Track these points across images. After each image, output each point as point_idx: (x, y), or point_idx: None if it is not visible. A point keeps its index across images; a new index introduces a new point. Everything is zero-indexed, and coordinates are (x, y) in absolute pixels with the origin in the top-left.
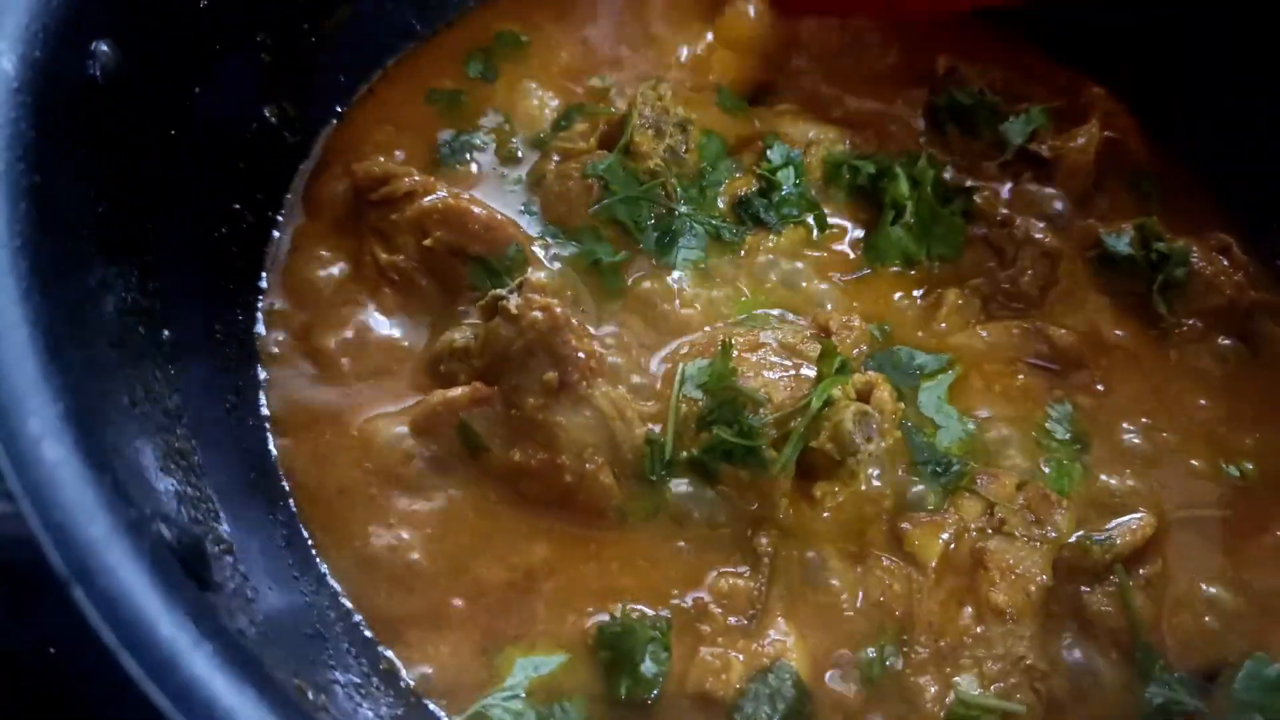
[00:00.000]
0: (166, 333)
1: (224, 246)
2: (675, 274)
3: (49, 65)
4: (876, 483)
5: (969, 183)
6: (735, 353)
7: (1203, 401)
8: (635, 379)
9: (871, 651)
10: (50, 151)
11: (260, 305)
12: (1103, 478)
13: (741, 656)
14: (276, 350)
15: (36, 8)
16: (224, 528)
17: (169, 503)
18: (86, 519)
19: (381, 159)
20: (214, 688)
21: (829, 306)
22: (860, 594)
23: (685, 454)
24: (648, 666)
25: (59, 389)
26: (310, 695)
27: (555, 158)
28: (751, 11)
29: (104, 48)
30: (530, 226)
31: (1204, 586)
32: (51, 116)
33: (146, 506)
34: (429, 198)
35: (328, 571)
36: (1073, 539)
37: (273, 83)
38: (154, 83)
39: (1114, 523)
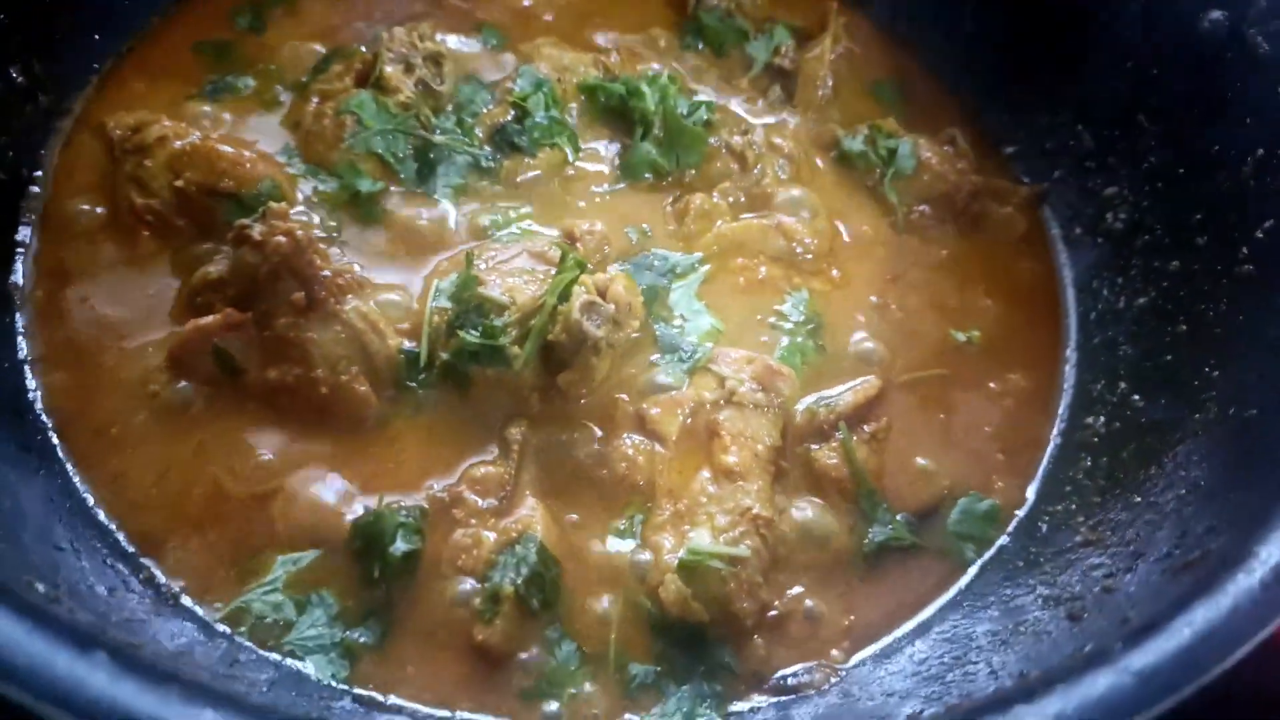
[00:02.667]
0: None
1: None
2: (436, 201)
3: None
4: (626, 372)
5: (708, 97)
6: (485, 265)
7: (934, 279)
8: (396, 297)
9: (622, 522)
10: None
11: (19, 257)
12: (835, 352)
13: (492, 534)
14: (37, 298)
15: None
16: None
17: None
18: None
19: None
20: None
21: (584, 219)
22: (608, 468)
23: (438, 360)
24: (398, 546)
25: None
26: (41, 589)
27: (314, 100)
28: None
29: None
30: (293, 168)
31: (924, 437)
32: None
33: None
34: (179, 141)
35: (89, 495)
36: (803, 405)
37: (16, 43)
38: None
39: (841, 387)
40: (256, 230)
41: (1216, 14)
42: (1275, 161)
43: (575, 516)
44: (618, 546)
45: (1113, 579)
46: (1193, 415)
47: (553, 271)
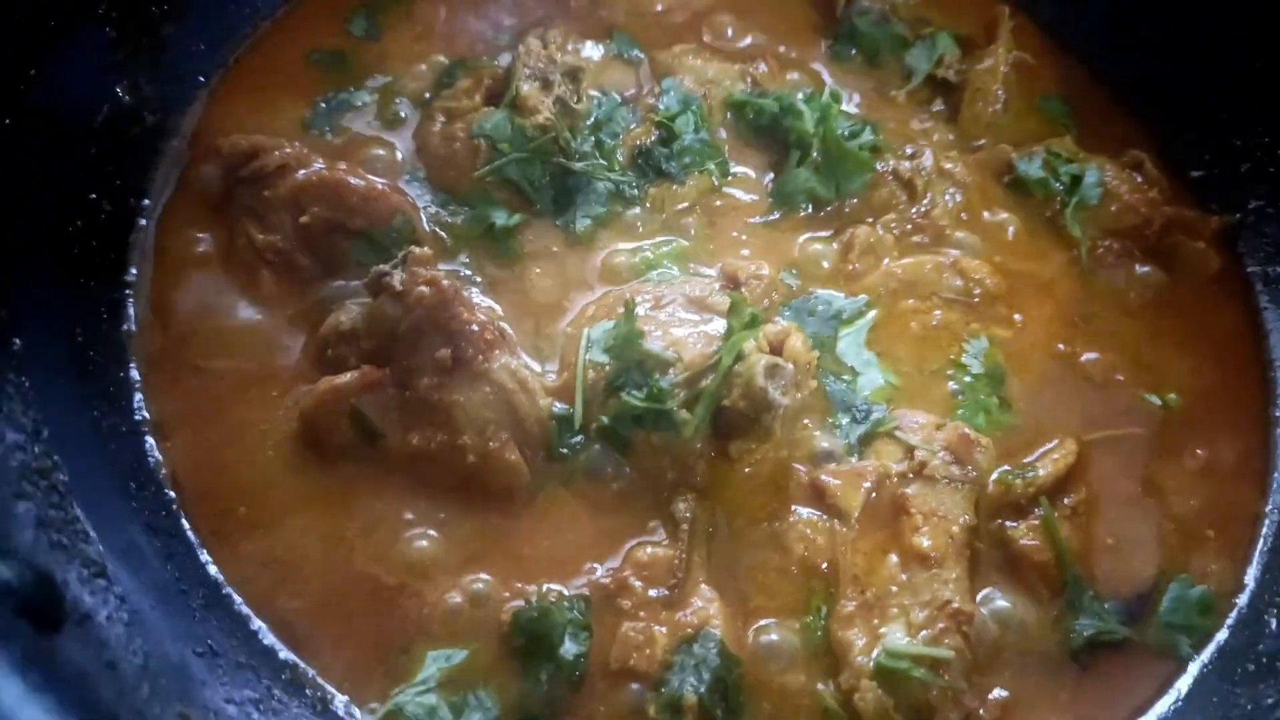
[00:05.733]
0: (17, 341)
1: (81, 240)
2: (577, 234)
3: None
4: (795, 435)
5: (872, 112)
6: (641, 311)
7: (1123, 325)
8: (539, 347)
9: (809, 617)
10: None
11: (129, 301)
12: (1020, 408)
13: (664, 629)
14: (151, 349)
15: None
16: (94, 548)
17: (20, 532)
18: None
19: (252, 134)
20: None
21: (739, 255)
22: (784, 550)
23: (595, 423)
24: (568, 648)
25: None
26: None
27: (440, 118)
28: None
29: None
30: (418, 195)
31: (1124, 511)
32: None
33: None
34: (303, 171)
35: (222, 579)
36: (995, 475)
37: (122, 58)
38: None
39: (1035, 454)
40: (396, 279)
41: None
42: None
43: (751, 606)
44: (804, 644)
45: None
46: None
47: (717, 321)
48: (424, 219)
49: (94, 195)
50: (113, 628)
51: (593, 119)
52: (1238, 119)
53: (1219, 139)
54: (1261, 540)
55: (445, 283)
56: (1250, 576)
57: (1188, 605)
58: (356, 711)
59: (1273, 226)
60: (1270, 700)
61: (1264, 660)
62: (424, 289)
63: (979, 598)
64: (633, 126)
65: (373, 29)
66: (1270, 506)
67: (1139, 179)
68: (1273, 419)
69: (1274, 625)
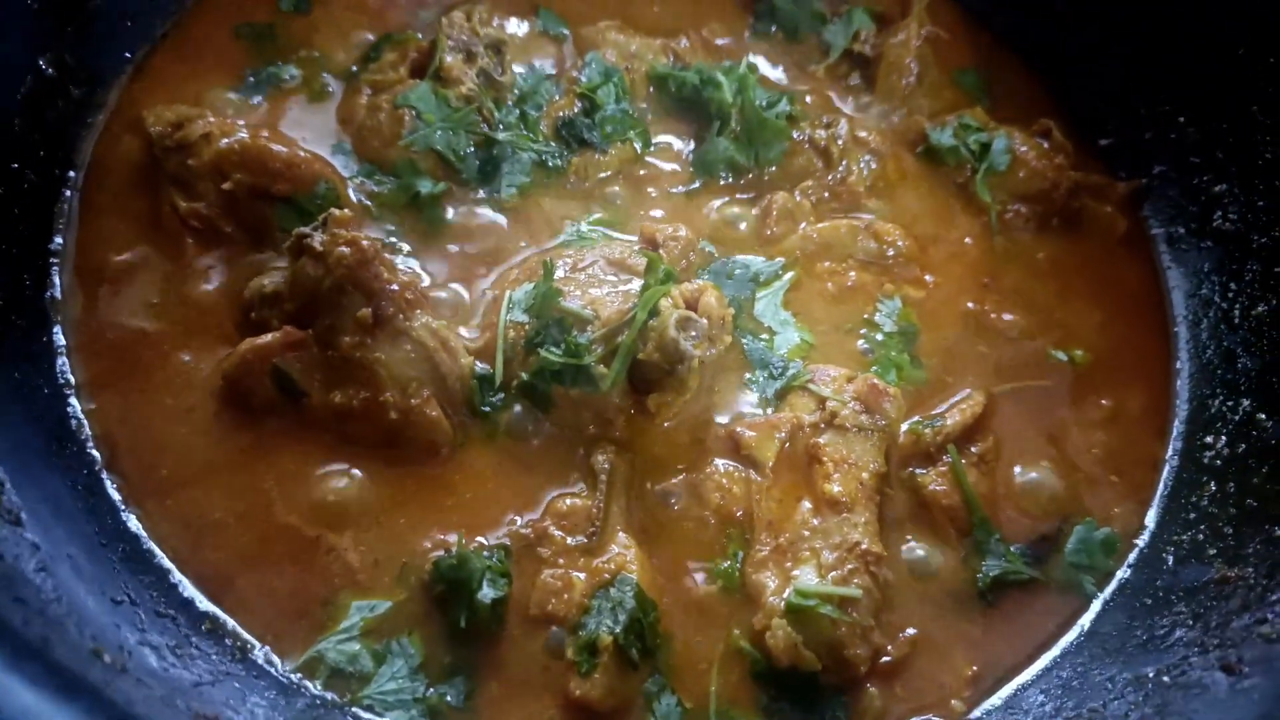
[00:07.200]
0: None
1: (3, 209)
2: (501, 202)
3: None
4: (711, 390)
5: (793, 86)
6: (561, 273)
7: (1032, 284)
8: (463, 309)
9: (725, 563)
10: None
11: (54, 269)
12: (931, 364)
13: (583, 575)
14: (76, 314)
15: None
16: (9, 498)
17: None
18: None
19: (177, 106)
20: None
21: (659, 220)
22: (701, 499)
23: (515, 380)
24: (485, 593)
25: None
26: (107, 658)
27: (366, 91)
28: None
29: None
30: (344, 165)
31: (1031, 458)
32: None
33: None
34: (226, 139)
35: (144, 533)
36: (905, 426)
37: (46, 32)
38: None
39: (944, 405)
40: (317, 240)
41: None
42: None
43: (669, 553)
44: (717, 586)
45: (1268, 625)
46: None
47: (636, 281)
48: (350, 189)
49: (16, 165)
50: (22, 567)
51: (517, 91)
52: (1142, 89)
53: (1125, 108)
54: (1162, 484)
55: (365, 242)
56: (1150, 518)
57: (1092, 546)
58: (276, 660)
59: (1175, 190)
60: (1163, 631)
61: (1160, 594)
62: (344, 249)
63: (892, 542)
64: (556, 98)
65: (302, 3)
66: (1170, 453)
67: (1046, 145)
68: (1174, 371)
69: (1170, 562)
